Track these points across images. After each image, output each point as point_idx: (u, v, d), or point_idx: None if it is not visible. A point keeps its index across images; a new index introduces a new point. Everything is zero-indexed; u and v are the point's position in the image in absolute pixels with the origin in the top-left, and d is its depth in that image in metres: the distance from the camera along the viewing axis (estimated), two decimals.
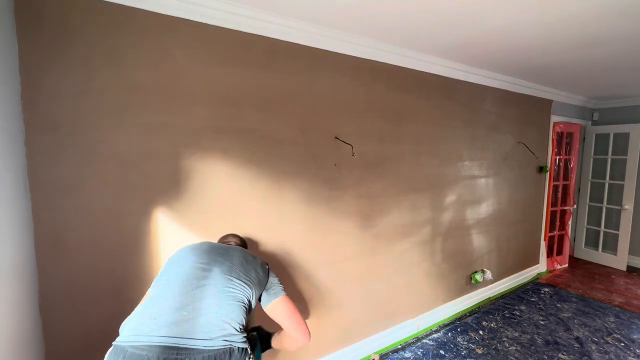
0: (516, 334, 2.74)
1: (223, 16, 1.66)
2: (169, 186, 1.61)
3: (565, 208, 4.35)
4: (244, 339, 1.07)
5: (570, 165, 4.29)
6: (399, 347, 2.59)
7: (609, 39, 2.10)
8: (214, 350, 0.99)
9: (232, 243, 1.52)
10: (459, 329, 2.82)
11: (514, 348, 2.55)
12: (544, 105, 3.80)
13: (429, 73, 2.61)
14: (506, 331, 2.79)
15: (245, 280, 1.18)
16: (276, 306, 1.28)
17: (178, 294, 1.07)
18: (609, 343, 2.63)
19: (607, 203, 4.37)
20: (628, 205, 4.14)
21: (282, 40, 1.88)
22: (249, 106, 1.81)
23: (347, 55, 2.14)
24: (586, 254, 4.63)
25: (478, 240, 3.26)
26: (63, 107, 1.35)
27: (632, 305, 3.29)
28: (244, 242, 1.58)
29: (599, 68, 2.79)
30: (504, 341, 2.65)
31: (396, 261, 2.59)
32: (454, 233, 3.01)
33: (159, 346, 0.95)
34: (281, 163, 1.95)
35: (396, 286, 2.61)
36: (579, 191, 4.66)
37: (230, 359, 1.01)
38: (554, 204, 4.26)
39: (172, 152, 1.60)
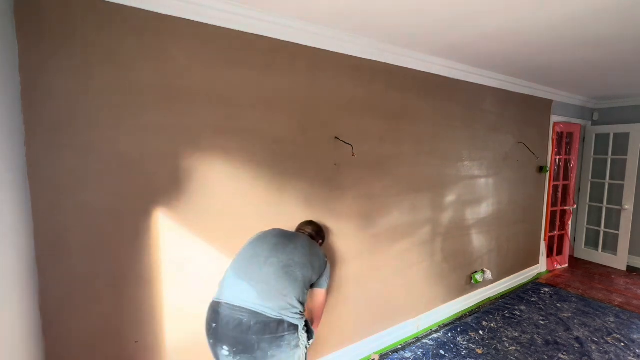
0: (516, 334, 2.74)
1: (223, 16, 1.66)
2: (169, 186, 1.61)
3: (565, 208, 4.35)
4: (297, 316, 1.28)
5: (570, 165, 4.29)
6: (399, 347, 2.59)
7: (609, 39, 2.10)
8: (268, 318, 1.24)
9: (306, 231, 1.79)
10: (459, 329, 2.82)
11: (514, 348, 2.55)
12: (544, 105, 3.80)
13: (429, 73, 2.61)
14: (506, 331, 2.79)
15: (305, 265, 1.41)
16: (317, 294, 1.56)
17: (251, 268, 1.35)
18: (609, 343, 2.63)
19: (607, 203, 4.37)
20: (628, 205, 4.14)
21: (282, 40, 1.88)
22: (249, 106, 1.81)
23: (347, 55, 2.14)
24: (586, 254, 4.63)
25: (478, 240, 3.26)
26: (63, 107, 1.35)
27: (632, 305, 3.29)
28: (319, 230, 1.82)
29: (599, 68, 2.79)
30: (504, 341, 2.65)
31: (396, 261, 2.59)
32: (454, 233, 3.01)
33: (232, 305, 1.27)
34: (281, 163, 1.95)
35: (396, 286, 2.61)
36: (579, 191, 4.66)
37: (278, 330, 1.23)
38: (554, 204, 4.26)
39: (172, 152, 1.60)
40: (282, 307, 1.26)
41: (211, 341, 1.33)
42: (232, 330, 1.25)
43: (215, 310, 1.31)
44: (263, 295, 1.27)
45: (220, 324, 1.28)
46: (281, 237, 1.52)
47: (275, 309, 1.25)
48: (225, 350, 1.27)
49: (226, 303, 1.29)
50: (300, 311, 1.30)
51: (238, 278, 1.34)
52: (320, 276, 1.50)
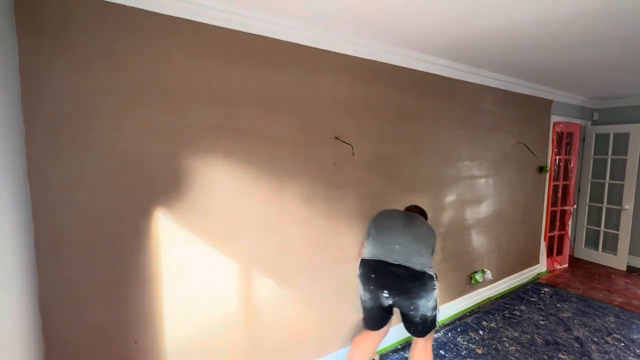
0: (516, 334, 2.74)
1: (223, 16, 1.66)
2: (169, 186, 1.61)
3: (565, 208, 4.35)
4: (431, 270, 1.73)
5: (570, 165, 4.29)
6: (399, 347, 2.59)
7: (609, 39, 2.10)
8: (415, 270, 1.69)
9: (415, 211, 2.19)
10: (459, 329, 2.82)
11: (514, 348, 2.55)
12: (544, 105, 3.80)
13: (429, 73, 2.61)
14: (506, 331, 2.79)
15: (429, 234, 1.88)
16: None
17: (393, 237, 1.80)
18: (609, 343, 2.63)
19: (607, 203, 4.37)
20: (628, 205, 4.14)
21: (282, 40, 1.88)
22: (249, 106, 1.81)
23: (347, 55, 2.14)
24: (586, 254, 4.63)
25: (478, 240, 3.26)
26: (63, 107, 1.35)
27: (632, 305, 3.29)
28: (422, 210, 2.24)
29: (599, 68, 2.79)
30: (504, 341, 2.65)
31: None
32: (454, 233, 3.01)
33: (385, 261, 1.73)
34: (281, 163, 1.95)
35: None
36: (579, 191, 4.66)
37: (422, 279, 1.68)
38: (554, 204, 4.26)
39: (172, 152, 1.60)
40: (422, 263, 1.72)
41: (371, 287, 1.75)
42: (391, 279, 1.70)
43: (372, 265, 1.75)
44: (409, 255, 1.73)
45: (379, 275, 1.73)
46: (406, 216, 1.98)
47: (418, 264, 1.71)
48: (385, 293, 1.72)
49: (383, 260, 1.73)
50: (432, 266, 1.76)
51: (386, 243, 1.78)
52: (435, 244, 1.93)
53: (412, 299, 1.69)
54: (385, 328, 1.92)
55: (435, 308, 1.75)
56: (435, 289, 1.72)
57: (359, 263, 1.83)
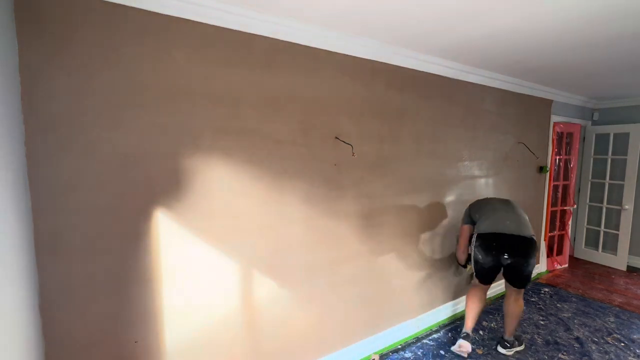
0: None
1: (223, 16, 1.66)
2: (169, 186, 1.61)
3: (565, 208, 4.35)
4: (534, 237, 2.31)
5: (570, 165, 4.29)
6: (399, 347, 2.59)
7: (609, 39, 2.10)
8: (526, 238, 2.28)
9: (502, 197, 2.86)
10: (459, 329, 2.82)
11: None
12: (544, 105, 3.80)
13: (429, 73, 2.61)
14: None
15: (524, 212, 2.49)
16: None
17: (502, 214, 2.42)
18: (609, 343, 2.63)
19: (607, 203, 4.37)
20: (628, 205, 4.14)
21: (282, 40, 1.88)
22: (249, 106, 1.81)
23: (347, 55, 2.14)
24: (586, 254, 4.63)
25: None
26: (63, 107, 1.35)
27: (632, 305, 3.29)
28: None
29: (600, 68, 2.79)
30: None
31: (396, 261, 2.59)
32: (454, 233, 3.01)
33: (503, 232, 2.31)
34: (281, 163, 1.95)
35: (396, 286, 2.61)
36: (579, 191, 4.66)
37: (531, 244, 2.27)
38: (554, 204, 4.26)
39: (172, 152, 1.60)
40: (529, 233, 2.31)
41: (493, 252, 2.30)
42: (510, 245, 2.28)
43: (492, 237, 2.32)
44: (519, 228, 2.32)
45: (499, 243, 2.30)
46: (501, 200, 2.60)
47: (527, 234, 2.30)
48: (505, 256, 2.28)
49: (500, 232, 2.31)
50: (534, 234, 2.34)
51: (498, 221, 2.37)
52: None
53: (526, 257, 2.27)
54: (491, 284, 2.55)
55: (534, 266, 2.34)
56: (537, 250, 2.35)
57: (475, 237, 2.41)
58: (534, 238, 2.30)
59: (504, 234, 2.31)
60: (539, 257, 3.76)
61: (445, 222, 2.93)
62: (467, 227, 2.62)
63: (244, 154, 1.81)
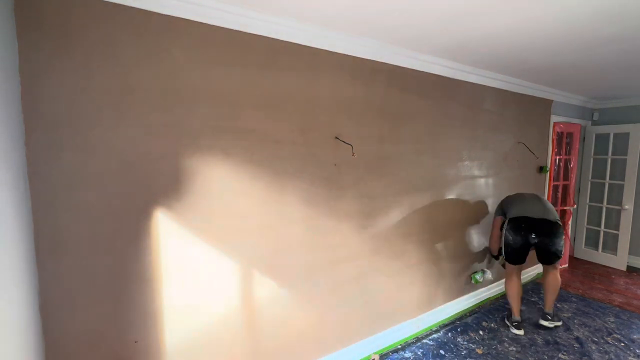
0: (516, 334, 2.74)
1: (223, 16, 1.66)
2: (169, 186, 1.61)
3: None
4: (560, 222, 2.66)
5: (570, 165, 4.29)
6: (399, 347, 2.59)
7: (609, 40, 2.10)
8: (551, 221, 2.61)
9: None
10: (459, 329, 2.82)
11: (514, 348, 2.55)
12: (544, 105, 3.80)
13: (429, 73, 2.61)
14: (506, 331, 2.79)
15: (548, 202, 2.86)
16: None
17: (530, 203, 2.78)
18: (609, 343, 2.63)
19: (607, 203, 4.37)
20: (628, 205, 4.14)
21: (282, 40, 1.88)
22: (249, 106, 1.81)
23: (347, 55, 2.14)
24: (586, 254, 4.63)
25: (478, 240, 3.26)
26: (63, 107, 1.35)
27: (632, 305, 3.29)
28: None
29: (599, 68, 2.79)
30: (504, 341, 2.65)
31: (396, 261, 2.59)
32: (454, 233, 3.01)
33: (530, 216, 2.66)
34: (281, 163, 1.95)
35: (396, 286, 2.61)
36: (579, 191, 4.66)
37: (557, 227, 2.61)
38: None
39: (172, 152, 1.60)
40: (555, 217, 2.66)
41: (522, 232, 2.64)
42: (537, 227, 2.62)
43: (522, 220, 2.67)
44: (545, 213, 2.67)
45: (527, 225, 2.64)
46: (530, 194, 2.95)
47: (552, 218, 2.64)
48: (533, 235, 2.62)
49: (529, 216, 2.66)
50: (559, 219, 2.70)
51: (528, 207, 2.73)
52: None
53: (550, 237, 2.60)
54: (523, 264, 2.84)
55: (562, 245, 2.65)
56: (563, 234, 2.65)
57: (507, 221, 2.76)
58: (559, 222, 2.64)
59: (532, 217, 2.66)
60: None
61: (445, 221, 2.93)
62: (499, 219, 2.95)
63: (244, 154, 1.81)
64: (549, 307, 2.85)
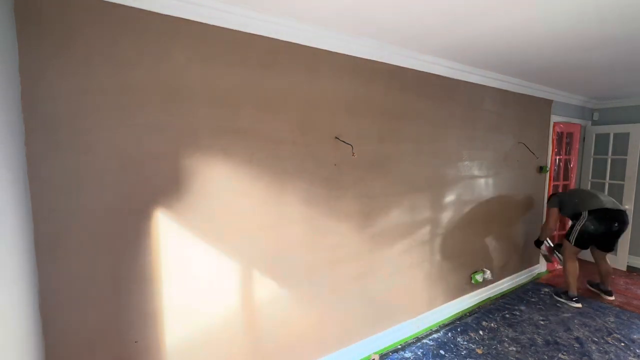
0: (516, 334, 2.74)
1: (223, 16, 1.66)
2: (169, 186, 1.61)
3: None
4: (626, 211, 3.14)
5: (570, 165, 4.29)
6: (399, 347, 2.59)
7: (610, 40, 2.10)
8: (622, 211, 3.12)
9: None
10: (459, 329, 2.82)
11: (514, 348, 2.55)
12: (544, 105, 3.80)
13: (429, 73, 2.61)
14: (506, 331, 2.79)
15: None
16: None
17: (597, 197, 3.19)
18: (609, 343, 2.63)
19: None
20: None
21: (282, 40, 1.88)
22: (249, 106, 1.81)
23: (347, 55, 2.14)
24: (586, 254, 4.61)
25: (478, 240, 3.26)
26: (63, 107, 1.35)
27: (632, 305, 3.29)
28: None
29: (599, 68, 2.79)
30: (504, 341, 2.65)
31: (396, 261, 2.59)
32: (454, 233, 3.01)
33: (610, 208, 3.11)
34: (281, 163, 1.95)
35: (396, 286, 2.61)
36: None
37: (625, 215, 3.11)
38: None
39: (172, 152, 1.60)
40: (623, 208, 3.11)
41: (606, 222, 3.06)
42: (618, 217, 3.07)
43: (603, 211, 3.08)
44: (616, 204, 3.12)
45: (610, 215, 3.07)
46: (588, 190, 3.48)
47: (622, 208, 3.10)
48: (616, 224, 3.05)
49: (608, 208, 3.08)
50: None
51: (601, 200, 3.14)
52: None
53: (627, 224, 3.11)
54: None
55: None
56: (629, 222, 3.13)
57: (586, 213, 3.13)
58: (626, 211, 3.15)
59: (612, 209, 3.08)
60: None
61: (447, 221, 2.93)
62: (557, 210, 3.38)
63: (244, 154, 1.81)
64: (608, 285, 3.41)
